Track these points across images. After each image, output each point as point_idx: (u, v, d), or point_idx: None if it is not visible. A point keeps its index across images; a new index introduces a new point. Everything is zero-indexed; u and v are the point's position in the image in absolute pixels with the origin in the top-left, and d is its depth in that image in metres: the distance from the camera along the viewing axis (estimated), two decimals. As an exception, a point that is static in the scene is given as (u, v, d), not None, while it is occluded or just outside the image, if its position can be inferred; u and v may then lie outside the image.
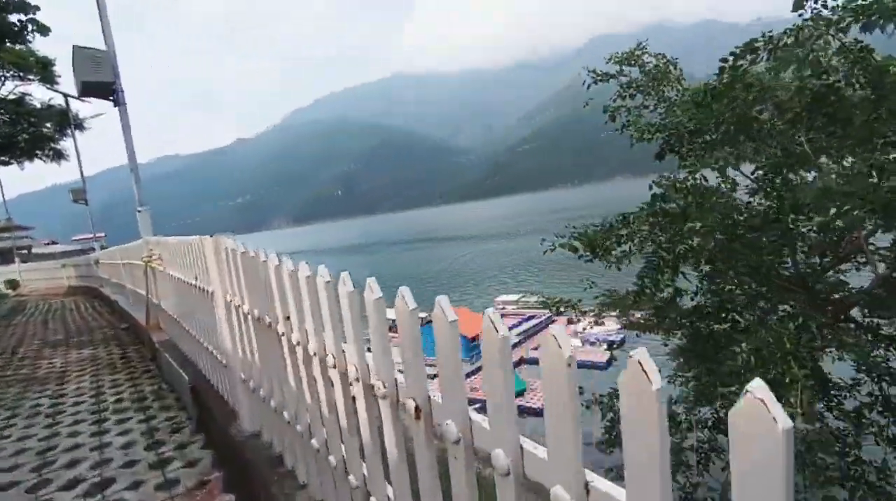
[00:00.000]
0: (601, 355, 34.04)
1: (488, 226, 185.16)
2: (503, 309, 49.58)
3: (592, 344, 35.51)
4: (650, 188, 7.70)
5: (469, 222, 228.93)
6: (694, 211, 6.59)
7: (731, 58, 6.41)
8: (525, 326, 41.88)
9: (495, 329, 0.97)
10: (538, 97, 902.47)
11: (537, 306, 34.85)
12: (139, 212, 7.56)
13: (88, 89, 7.11)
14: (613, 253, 7.51)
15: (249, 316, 2.48)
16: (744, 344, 5.70)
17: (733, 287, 7.30)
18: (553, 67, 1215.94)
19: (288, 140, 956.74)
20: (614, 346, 35.77)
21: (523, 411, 28.22)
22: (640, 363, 0.71)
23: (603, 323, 31.53)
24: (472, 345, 35.15)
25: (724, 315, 7.09)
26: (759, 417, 0.61)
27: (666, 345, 9.74)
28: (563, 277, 70.97)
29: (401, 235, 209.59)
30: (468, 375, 33.65)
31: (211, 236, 2.90)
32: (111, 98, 7.23)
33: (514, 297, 49.64)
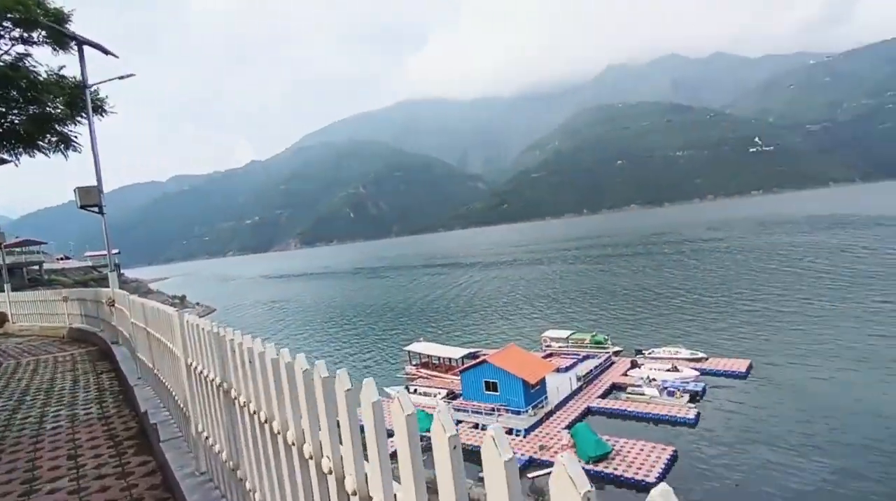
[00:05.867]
0: (686, 409, 29.19)
1: (503, 253, 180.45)
2: (549, 346, 44.81)
3: (671, 393, 30.50)
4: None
5: (481, 248, 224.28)
6: None
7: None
8: (581, 368, 36.94)
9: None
10: (549, 125, 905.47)
11: (591, 345, 29.73)
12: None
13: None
14: None
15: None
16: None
17: None
18: (564, 96, 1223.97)
19: (300, 162, 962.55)
20: (698, 398, 30.90)
21: (608, 479, 23.31)
22: (564, 466, 0.86)
23: (678, 369, 26.20)
24: (532, 393, 30.38)
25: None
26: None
27: None
28: (600, 308, 66.13)
29: (411, 260, 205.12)
30: (531, 428, 28.79)
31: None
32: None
33: (563, 334, 44.85)
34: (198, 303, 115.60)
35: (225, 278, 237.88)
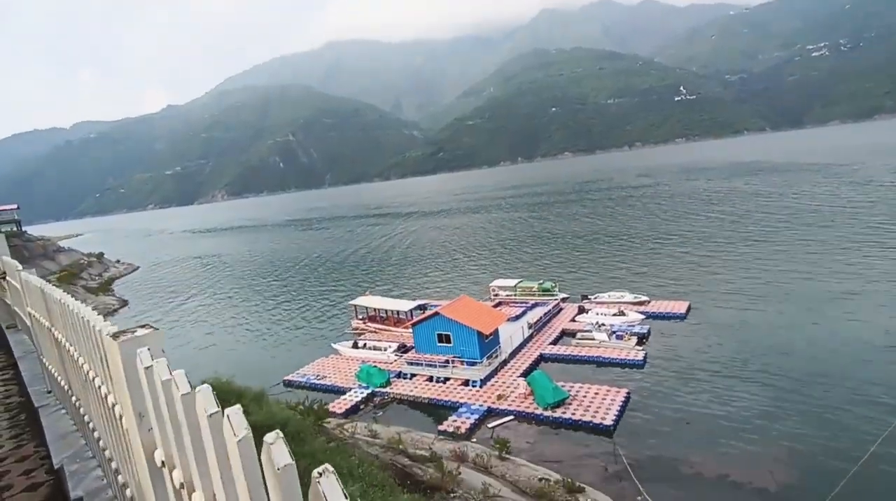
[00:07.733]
0: (634, 351, 30.02)
1: (442, 202, 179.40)
2: (497, 295, 44.82)
3: (620, 337, 31.24)
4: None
5: (419, 197, 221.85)
6: None
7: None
8: (531, 316, 37.16)
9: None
10: (484, 71, 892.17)
11: (539, 293, 29.69)
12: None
13: None
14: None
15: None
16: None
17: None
18: (500, 40, 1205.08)
19: (222, 108, 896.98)
20: (644, 340, 31.89)
21: (566, 425, 23.60)
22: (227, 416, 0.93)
23: (624, 313, 26.64)
24: (486, 343, 30.08)
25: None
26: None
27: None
28: (544, 255, 67.09)
29: (347, 210, 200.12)
30: (487, 378, 28.66)
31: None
32: None
33: (510, 282, 44.86)
34: (118, 261, 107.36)
35: (146, 233, 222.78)
